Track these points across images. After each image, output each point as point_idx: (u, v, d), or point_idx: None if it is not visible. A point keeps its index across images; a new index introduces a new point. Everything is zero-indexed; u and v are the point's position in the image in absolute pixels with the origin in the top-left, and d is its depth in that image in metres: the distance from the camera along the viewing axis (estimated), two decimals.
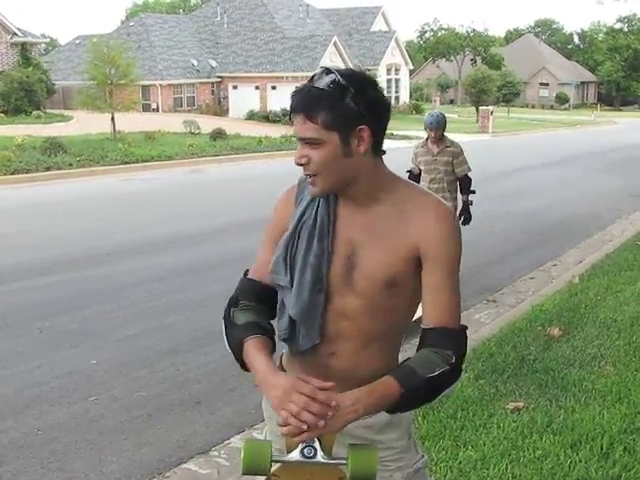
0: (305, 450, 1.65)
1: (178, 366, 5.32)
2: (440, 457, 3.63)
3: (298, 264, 1.85)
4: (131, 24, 48.66)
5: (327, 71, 1.74)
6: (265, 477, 1.72)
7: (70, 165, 18.15)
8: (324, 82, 1.72)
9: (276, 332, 1.93)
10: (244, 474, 1.71)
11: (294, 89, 1.77)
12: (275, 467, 1.70)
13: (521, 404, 4.28)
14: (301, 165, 1.77)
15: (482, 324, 6.19)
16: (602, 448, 3.71)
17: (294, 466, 1.69)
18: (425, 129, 6.87)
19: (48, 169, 17.53)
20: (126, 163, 19.16)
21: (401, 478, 1.92)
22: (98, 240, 9.80)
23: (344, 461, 1.67)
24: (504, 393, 4.47)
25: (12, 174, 16.72)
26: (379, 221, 1.82)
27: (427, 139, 6.89)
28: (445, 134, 6.96)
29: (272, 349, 1.86)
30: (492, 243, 9.78)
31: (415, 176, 6.90)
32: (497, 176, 17.45)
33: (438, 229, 1.79)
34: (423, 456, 2.02)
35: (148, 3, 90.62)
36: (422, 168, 6.95)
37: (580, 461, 3.58)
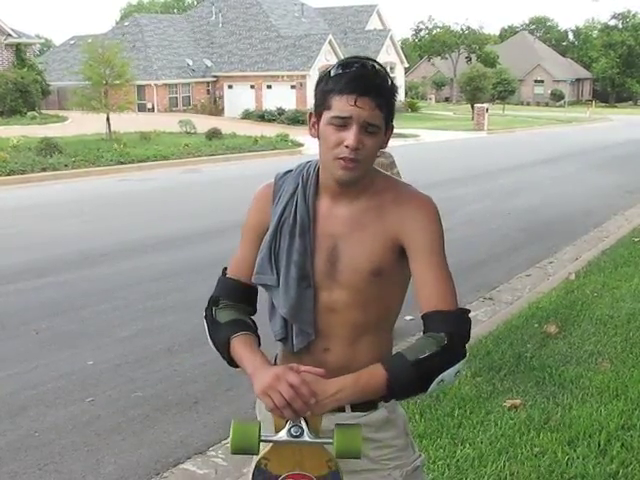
0: (292, 429, 1.70)
1: (175, 366, 5.31)
2: (438, 455, 3.63)
3: (283, 262, 1.87)
4: (126, 24, 48.64)
5: (381, 66, 1.79)
6: (256, 459, 1.77)
7: (66, 166, 18.14)
8: (386, 79, 1.77)
9: (272, 333, 1.95)
10: (233, 453, 1.75)
11: (349, 70, 1.74)
12: (265, 450, 1.75)
13: (518, 401, 4.28)
14: (356, 149, 1.73)
15: (479, 322, 6.19)
16: (600, 445, 3.71)
17: (284, 449, 1.74)
18: None
19: (44, 170, 17.53)
20: (122, 163, 19.16)
21: (400, 477, 1.92)
22: (94, 241, 9.78)
23: (330, 440, 1.70)
24: (501, 391, 4.47)
25: (8, 175, 16.71)
26: (359, 213, 1.84)
27: None
28: None
29: (258, 344, 1.90)
30: (488, 240, 9.78)
31: None
32: (493, 173, 17.48)
33: (419, 218, 1.82)
34: (420, 455, 2.02)
35: (142, 3, 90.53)
36: None
37: (578, 458, 3.59)
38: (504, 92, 53.86)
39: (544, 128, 39.70)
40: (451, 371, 1.74)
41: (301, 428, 1.70)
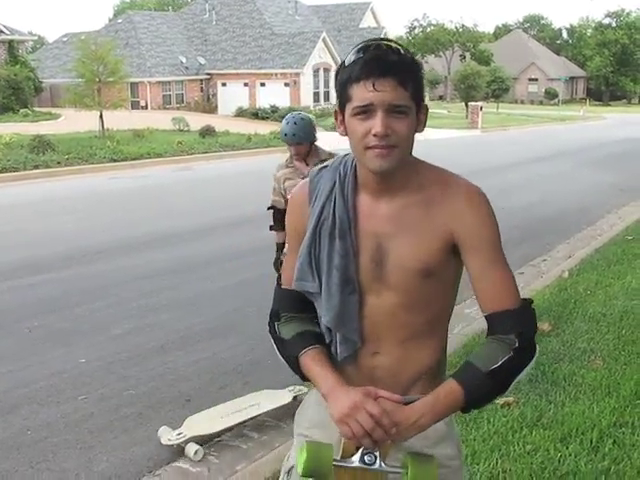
0: (366, 457, 1.63)
1: (168, 364, 5.30)
2: None
3: (324, 267, 1.75)
4: (119, 21, 48.46)
5: (398, 44, 1.65)
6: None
7: (58, 163, 18.10)
8: (406, 54, 1.63)
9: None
10: (304, 476, 1.65)
11: (362, 55, 1.62)
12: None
13: (511, 399, 4.28)
14: (385, 136, 1.59)
15: (473, 319, 6.20)
16: (592, 442, 3.72)
17: (345, 475, 1.67)
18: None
19: (36, 167, 17.49)
20: (115, 161, 19.12)
21: None
22: (87, 238, 9.76)
23: (402, 470, 1.64)
24: None
25: (0, 172, 16.64)
26: (405, 209, 1.71)
27: (291, 155, 4.56)
28: (317, 144, 4.55)
29: (329, 355, 1.78)
30: None
31: (281, 212, 4.22)
32: (487, 171, 17.47)
33: (473, 213, 1.69)
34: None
35: (135, 0, 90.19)
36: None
37: (570, 455, 3.59)
38: (498, 90, 53.84)
39: (538, 126, 39.77)
40: (526, 369, 1.70)
41: (375, 456, 1.63)
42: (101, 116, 23.75)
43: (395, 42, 1.65)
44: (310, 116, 4.53)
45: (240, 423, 4.18)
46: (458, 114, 45.04)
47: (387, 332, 1.75)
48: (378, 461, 1.63)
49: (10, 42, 33.89)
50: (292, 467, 1.88)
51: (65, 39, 46.80)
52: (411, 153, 1.71)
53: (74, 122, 26.50)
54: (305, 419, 1.92)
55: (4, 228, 10.64)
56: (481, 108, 36.54)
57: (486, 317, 1.70)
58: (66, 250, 9.03)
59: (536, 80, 77.32)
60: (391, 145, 1.61)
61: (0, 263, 8.38)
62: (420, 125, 1.70)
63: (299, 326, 1.81)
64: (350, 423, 1.57)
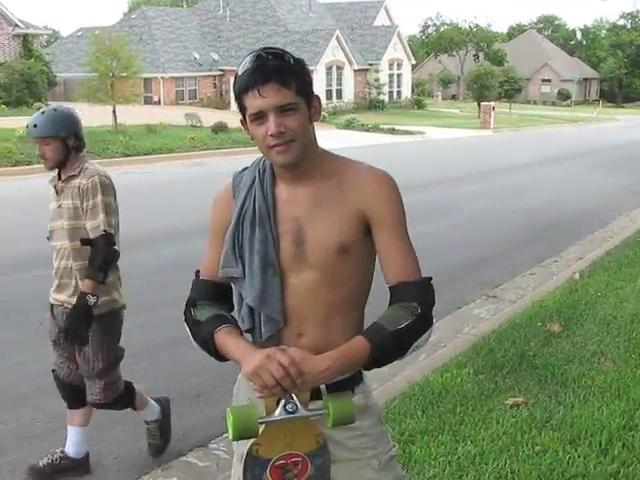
0: (287, 406, 1.75)
1: (177, 359, 5.32)
2: (439, 452, 3.63)
3: (246, 253, 1.92)
4: (133, 17, 48.58)
5: (278, 49, 1.88)
6: (248, 445, 1.80)
7: None
8: (285, 57, 1.86)
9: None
10: (235, 440, 1.77)
11: (249, 66, 1.82)
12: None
13: (520, 400, 4.28)
14: (280, 134, 1.78)
15: (482, 319, 6.20)
16: (601, 444, 3.71)
17: (275, 431, 1.79)
18: None
19: None
20: (127, 156, 19.17)
21: (377, 465, 1.97)
22: None
23: (324, 411, 1.79)
24: (503, 389, 4.47)
25: (13, 166, 16.76)
26: (319, 193, 1.89)
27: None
28: (84, 155, 3.54)
29: (241, 334, 1.93)
30: (493, 239, 9.77)
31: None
32: (499, 172, 17.45)
33: (381, 192, 1.87)
34: (395, 445, 2.08)
35: None
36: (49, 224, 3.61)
37: (579, 457, 3.59)
38: (511, 91, 53.64)
39: (550, 127, 39.61)
40: (425, 336, 1.85)
41: (295, 404, 1.75)
42: (114, 111, 23.80)
43: (276, 48, 1.87)
44: (71, 110, 3.56)
45: None
46: (470, 114, 44.90)
47: (309, 311, 1.90)
48: (299, 408, 1.75)
49: (25, 36, 33.93)
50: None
51: (79, 34, 46.95)
52: (315, 141, 1.91)
53: (87, 116, 26.25)
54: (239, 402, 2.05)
55: (15, 220, 10.70)
56: (493, 108, 36.39)
57: (392, 287, 1.87)
58: None
59: (549, 81, 77.02)
60: (288, 140, 1.80)
61: (11, 255, 8.42)
62: (315, 114, 1.89)
63: (214, 310, 1.98)
64: (262, 373, 1.70)
